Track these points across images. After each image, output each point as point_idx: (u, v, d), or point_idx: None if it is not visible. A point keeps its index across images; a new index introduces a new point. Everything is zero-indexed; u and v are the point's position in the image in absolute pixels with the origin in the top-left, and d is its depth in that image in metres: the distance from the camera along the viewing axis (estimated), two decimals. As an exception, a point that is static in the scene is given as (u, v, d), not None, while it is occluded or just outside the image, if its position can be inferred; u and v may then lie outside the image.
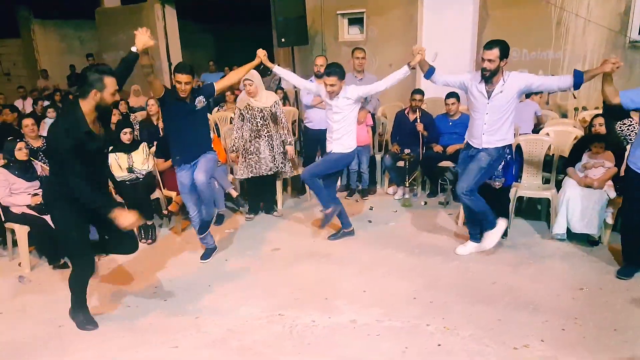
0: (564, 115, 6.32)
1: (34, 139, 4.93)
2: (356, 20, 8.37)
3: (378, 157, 6.04)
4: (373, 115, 5.85)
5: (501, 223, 4.05)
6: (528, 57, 6.75)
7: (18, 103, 8.70)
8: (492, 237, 4.03)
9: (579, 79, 3.51)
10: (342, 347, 3.02)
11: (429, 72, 3.98)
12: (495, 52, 3.57)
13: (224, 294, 3.73)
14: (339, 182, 6.13)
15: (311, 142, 5.90)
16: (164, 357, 3.01)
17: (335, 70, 4.07)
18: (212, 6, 14.02)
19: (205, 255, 4.32)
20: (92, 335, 3.26)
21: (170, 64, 11.01)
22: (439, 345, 2.98)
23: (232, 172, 5.55)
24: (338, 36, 8.47)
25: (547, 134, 4.86)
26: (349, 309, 3.42)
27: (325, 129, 5.65)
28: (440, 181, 5.70)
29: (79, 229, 3.12)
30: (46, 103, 8.45)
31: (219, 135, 5.81)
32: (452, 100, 5.49)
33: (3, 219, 4.35)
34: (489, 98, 3.75)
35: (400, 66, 4.10)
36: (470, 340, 3.01)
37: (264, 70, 9.79)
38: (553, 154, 4.69)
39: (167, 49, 10.96)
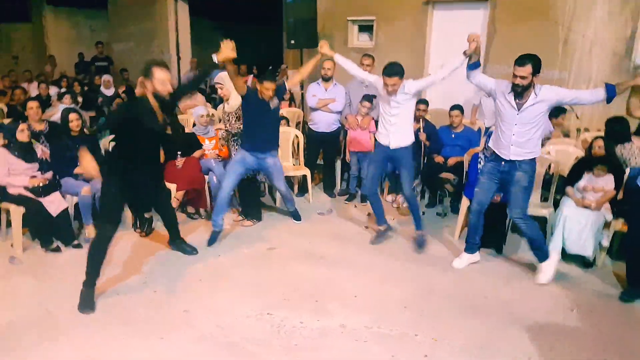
0: (566, 135, 6.32)
1: (37, 122, 4.94)
2: (366, 27, 8.40)
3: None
4: (377, 122, 5.85)
5: (554, 255, 3.99)
6: (534, 75, 6.74)
7: (23, 86, 8.73)
8: (547, 269, 3.89)
9: (612, 93, 3.45)
10: (329, 350, 3.01)
11: (475, 65, 3.86)
12: (528, 69, 3.48)
13: (215, 289, 3.72)
14: (337, 187, 6.15)
15: (314, 144, 5.92)
16: (151, 348, 3.00)
17: (397, 70, 4.04)
18: (224, 5, 14.10)
19: (212, 240, 4.55)
20: (81, 320, 3.26)
21: (179, 59, 11.05)
22: (425, 355, 2.97)
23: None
24: (347, 41, 8.50)
25: (549, 152, 4.86)
26: (339, 312, 3.42)
27: (330, 132, 5.73)
28: (439, 192, 5.69)
29: (117, 199, 3.51)
30: (53, 89, 8.49)
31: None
32: (456, 112, 5.50)
33: (-1, 199, 4.36)
34: (518, 110, 3.66)
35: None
36: (458, 353, 3.00)
37: (273, 71, 9.82)
38: (553, 173, 4.68)
39: (177, 43, 11.00)
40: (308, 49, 8.32)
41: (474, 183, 4.56)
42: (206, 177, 5.16)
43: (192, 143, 5.27)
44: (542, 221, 4.69)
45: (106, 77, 8.91)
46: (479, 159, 4.59)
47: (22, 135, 4.30)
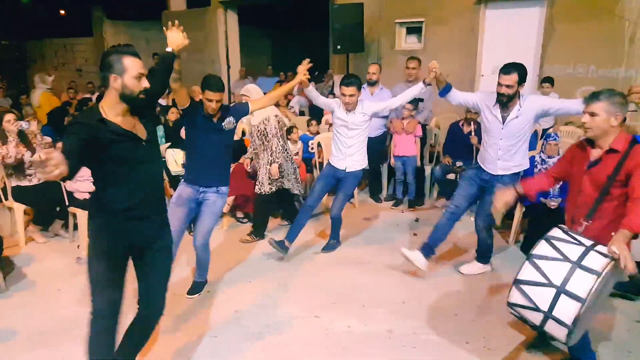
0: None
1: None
2: (414, 30, 8.31)
3: (428, 168, 5.94)
4: (424, 126, 5.77)
5: (487, 267, 4.06)
6: (596, 74, 6.46)
7: (86, 97, 9.25)
8: (475, 268, 4.04)
9: None
10: (376, 356, 2.98)
11: (445, 90, 3.83)
12: (514, 77, 3.39)
13: (264, 291, 3.78)
14: (384, 192, 6.09)
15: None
16: (204, 346, 3.08)
17: (354, 80, 4.04)
18: (272, 12, 14.36)
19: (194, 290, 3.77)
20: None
21: (228, 67, 11.35)
22: (477, 363, 2.88)
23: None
24: (395, 45, 8.44)
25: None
26: (386, 318, 3.38)
27: (375, 137, 5.67)
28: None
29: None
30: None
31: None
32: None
33: (67, 203, 4.63)
34: (503, 123, 3.57)
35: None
36: (511, 361, 2.89)
37: (319, 76, 9.91)
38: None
39: (227, 52, 11.30)
40: (354, 53, 8.32)
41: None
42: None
43: (239, 148, 5.37)
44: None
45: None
46: (535, 162, 4.43)
47: None
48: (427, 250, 3.87)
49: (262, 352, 3.02)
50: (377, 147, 5.82)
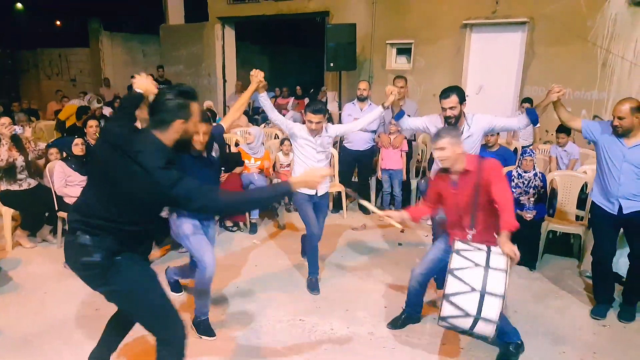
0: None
1: (94, 139, 5.36)
2: (404, 50, 8.61)
3: (414, 182, 6.15)
4: (410, 142, 5.99)
5: None
6: (572, 96, 6.76)
7: (76, 102, 9.35)
8: None
9: (533, 116, 3.58)
10: (358, 355, 3.13)
11: (399, 115, 3.96)
12: (454, 99, 3.57)
13: (250, 295, 3.92)
14: (372, 204, 6.27)
15: (349, 161, 6.09)
16: (190, 347, 3.17)
17: (322, 108, 4.00)
18: (269, 29, 14.66)
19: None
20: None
21: (225, 81, 11.58)
22: (452, 363, 3.04)
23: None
24: (385, 64, 8.72)
25: (585, 172, 4.84)
26: (368, 321, 3.53)
27: (364, 150, 5.89)
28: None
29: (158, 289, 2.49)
30: (107, 109, 9.08)
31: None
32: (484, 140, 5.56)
33: (57, 208, 4.72)
34: None
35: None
36: (484, 361, 3.05)
37: (314, 93, 10.10)
38: (588, 192, 4.66)
39: (223, 66, 11.53)
40: (346, 71, 8.58)
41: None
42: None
43: (237, 160, 5.53)
44: (577, 240, 4.68)
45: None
46: (512, 177, 4.64)
47: (76, 149, 4.68)
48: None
49: (244, 354, 3.14)
50: (366, 161, 6.03)
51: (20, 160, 4.69)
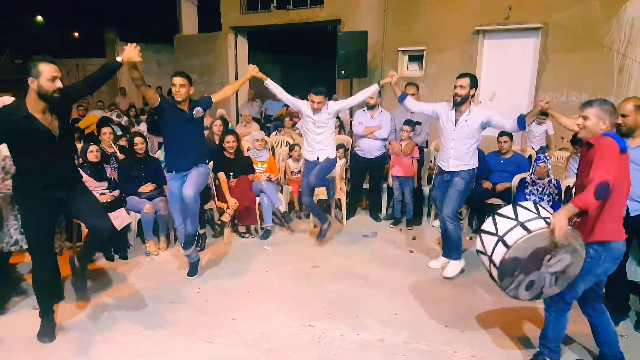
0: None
1: (109, 146, 5.43)
2: (416, 57, 8.60)
3: (426, 189, 6.11)
4: (421, 149, 5.96)
5: (462, 262, 4.39)
6: (551, 105, 6.65)
7: (97, 113, 9.49)
8: (453, 267, 4.37)
9: (521, 122, 3.90)
10: (367, 362, 3.09)
11: (402, 97, 4.46)
12: (466, 80, 4.08)
13: (260, 301, 3.91)
14: (384, 210, 6.25)
15: (360, 169, 6.09)
16: (199, 350, 3.21)
17: (323, 90, 4.70)
18: (281, 39, 14.77)
19: (192, 272, 4.34)
20: (135, 322, 3.53)
21: (237, 92, 11.66)
22: (464, 371, 2.99)
23: (281, 191, 5.82)
24: (397, 71, 8.69)
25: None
26: (378, 328, 3.49)
27: (375, 157, 5.88)
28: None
29: (41, 226, 3.13)
30: (123, 118, 9.22)
31: (274, 155, 6.14)
32: (504, 138, 5.51)
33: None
34: (455, 125, 4.19)
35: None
36: (496, 370, 3.00)
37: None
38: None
39: (236, 75, 11.63)
40: (358, 78, 8.60)
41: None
42: (257, 198, 5.42)
43: (247, 165, 5.56)
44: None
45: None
46: (526, 184, 4.59)
47: (91, 156, 4.74)
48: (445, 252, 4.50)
49: (255, 359, 3.13)
50: (377, 168, 6.01)
51: None
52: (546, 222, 2.64)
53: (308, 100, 4.77)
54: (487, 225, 2.88)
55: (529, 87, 7.23)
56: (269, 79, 4.77)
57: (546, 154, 4.89)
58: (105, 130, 5.55)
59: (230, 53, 11.58)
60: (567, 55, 6.83)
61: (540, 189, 4.49)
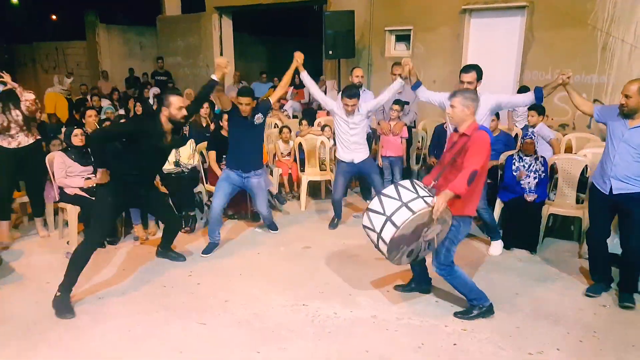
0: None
1: (93, 129, 5.34)
2: (403, 37, 8.55)
3: (415, 168, 6.15)
4: (410, 128, 5.97)
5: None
6: (571, 80, 6.68)
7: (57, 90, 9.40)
8: (495, 247, 4.43)
9: (539, 94, 3.84)
10: (360, 338, 3.14)
11: (416, 85, 4.32)
12: (473, 75, 3.93)
13: (253, 282, 3.93)
14: (374, 191, 6.28)
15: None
16: (193, 331, 3.23)
17: (356, 92, 4.68)
18: (266, 19, 14.57)
19: (208, 250, 4.51)
20: (127, 306, 3.53)
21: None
22: (455, 344, 3.06)
23: (271, 173, 5.81)
24: (385, 51, 8.67)
25: (585, 155, 4.84)
26: (370, 305, 3.55)
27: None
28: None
29: (113, 214, 3.83)
30: (105, 101, 9.05)
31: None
32: (491, 117, 5.53)
33: (57, 199, 4.70)
34: None
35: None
36: (487, 342, 3.08)
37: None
38: (588, 176, 4.66)
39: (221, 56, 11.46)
40: (345, 59, 8.54)
41: (508, 185, 4.64)
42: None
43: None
44: (578, 224, 4.69)
45: (155, 90, 9.43)
46: (513, 160, 4.64)
47: (75, 139, 4.64)
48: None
49: (249, 338, 3.16)
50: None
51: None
52: (425, 202, 2.98)
53: (341, 102, 4.74)
54: (374, 204, 3.12)
55: (515, 66, 7.25)
56: (305, 71, 4.79)
57: (532, 130, 4.93)
58: (90, 112, 5.46)
59: (214, 34, 11.38)
60: (552, 33, 6.85)
61: (526, 166, 4.54)
